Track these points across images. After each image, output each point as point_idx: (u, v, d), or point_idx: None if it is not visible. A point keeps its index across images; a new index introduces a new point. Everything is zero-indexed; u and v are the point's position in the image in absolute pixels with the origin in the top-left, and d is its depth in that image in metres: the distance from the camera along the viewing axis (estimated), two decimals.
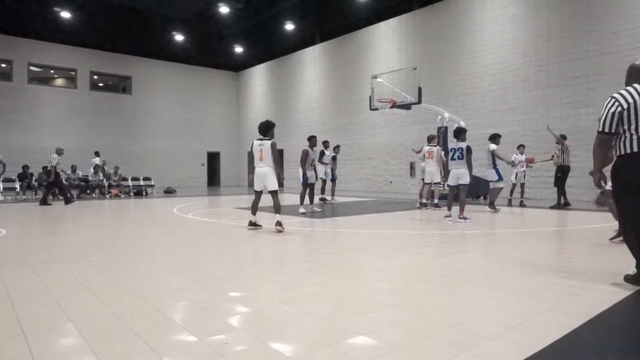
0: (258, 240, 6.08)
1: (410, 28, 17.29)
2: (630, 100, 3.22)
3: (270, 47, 23.38)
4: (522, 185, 11.24)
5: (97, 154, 17.57)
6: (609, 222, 7.93)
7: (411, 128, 17.06)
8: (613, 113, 3.26)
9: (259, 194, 7.00)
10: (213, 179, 26.47)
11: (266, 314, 2.80)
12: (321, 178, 11.96)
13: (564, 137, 10.60)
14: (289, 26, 20.21)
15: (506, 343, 2.29)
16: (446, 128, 13.29)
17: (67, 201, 12.68)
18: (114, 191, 16.62)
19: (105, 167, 17.05)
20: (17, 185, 15.34)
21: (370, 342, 2.31)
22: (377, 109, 13.79)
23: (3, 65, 19.90)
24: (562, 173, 10.47)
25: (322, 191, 12.63)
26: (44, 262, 4.47)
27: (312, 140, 9.77)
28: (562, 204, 10.41)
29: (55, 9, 17.61)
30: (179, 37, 21.37)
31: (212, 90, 26.28)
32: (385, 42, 18.23)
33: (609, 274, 3.86)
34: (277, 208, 6.76)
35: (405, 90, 12.96)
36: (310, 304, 3.01)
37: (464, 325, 2.55)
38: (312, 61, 21.97)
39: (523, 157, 11.03)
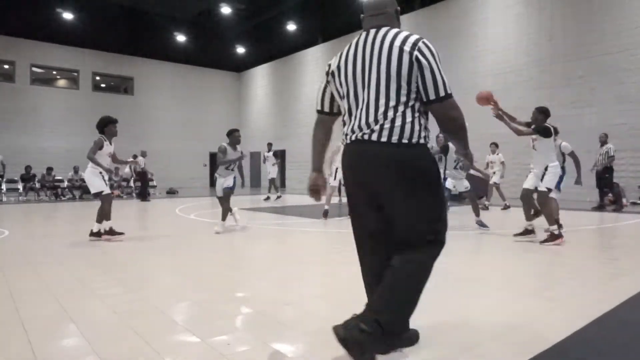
0: (259, 241, 6.08)
1: (412, 28, 17.26)
2: (336, 62, 2.11)
3: (272, 48, 23.38)
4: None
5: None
6: (614, 222, 7.91)
7: None
8: (323, 86, 2.22)
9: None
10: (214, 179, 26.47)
11: (268, 314, 2.79)
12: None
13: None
14: (291, 27, 20.22)
15: (509, 343, 2.28)
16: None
17: (144, 198, 14.71)
18: (115, 192, 16.64)
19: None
20: (20, 186, 15.39)
21: None
22: None
23: (6, 66, 19.95)
24: (608, 174, 10.28)
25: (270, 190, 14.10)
26: (46, 263, 4.47)
27: (231, 135, 7.14)
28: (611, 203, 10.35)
29: (58, 10, 17.66)
30: (181, 38, 21.39)
31: (214, 91, 26.31)
32: None
33: (611, 275, 3.84)
34: (98, 216, 5.95)
35: None
36: (312, 304, 3.01)
37: (465, 326, 2.54)
38: (314, 61, 21.97)
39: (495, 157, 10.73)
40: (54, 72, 21.53)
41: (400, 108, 1.91)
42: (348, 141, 2.04)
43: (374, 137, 1.92)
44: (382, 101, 1.92)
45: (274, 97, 24.67)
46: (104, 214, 5.98)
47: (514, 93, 14.03)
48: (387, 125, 1.91)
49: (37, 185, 15.68)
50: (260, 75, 25.80)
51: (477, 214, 6.78)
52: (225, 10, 17.93)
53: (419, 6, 16.94)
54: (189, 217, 9.04)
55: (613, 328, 2.55)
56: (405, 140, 1.91)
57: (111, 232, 6.02)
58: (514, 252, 5.03)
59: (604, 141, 10.22)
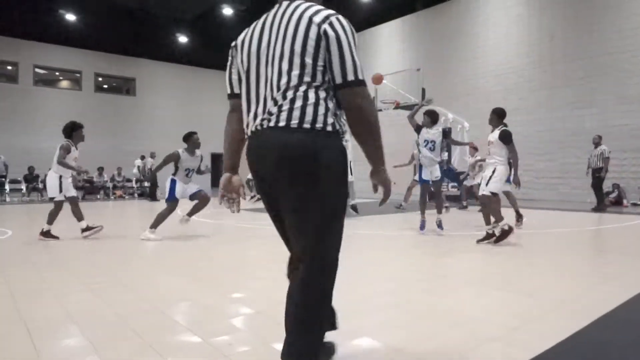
0: (258, 241, 6.08)
1: (413, 29, 17.26)
2: (242, 36, 1.81)
3: None
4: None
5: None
6: (615, 223, 7.90)
7: None
8: (229, 64, 1.88)
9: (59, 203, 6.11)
10: (217, 180, 26.49)
11: (269, 315, 2.80)
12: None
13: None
14: None
15: (509, 344, 2.29)
16: (450, 129, 13.28)
17: (154, 198, 15.10)
18: (118, 192, 16.69)
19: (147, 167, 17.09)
20: (23, 186, 15.44)
21: (372, 343, 2.32)
22: (380, 110, 13.83)
23: (9, 67, 20.02)
24: (600, 174, 10.18)
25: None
26: (48, 263, 4.50)
27: (189, 139, 6.75)
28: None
29: (61, 11, 17.73)
30: (182, 39, 21.44)
31: (215, 92, 26.32)
32: (389, 43, 18.21)
33: (611, 275, 3.84)
34: (76, 216, 6.18)
35: (408, 91, 12.98)
36: None
37: (465, 326, 2.55)
38: None
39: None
40: (57, 73, 21.59)
41: (302, 88, 1.59)
42: (249, 133, 1.73)
43: (272, 122, 1.60)
44: (283, 80, 1.60)
45: None
46: (77, 214, 6.22)
47: (515, 94, 14.03)
48: (285, 107, 1.59)
49: (40, 185, 15.73)
50: None
51: (439, 211, 6.52)
52: (227, 11, 17.97)
53: (421, 7, 16.94)
54: (190, 217, 9.05)
55: (613, 328, 2.55)
56: (306, 125, 1.57)
57: (47, 234, 5.99)
58: (512, 252, 5.03)
59: (597, 143, 10.22)
